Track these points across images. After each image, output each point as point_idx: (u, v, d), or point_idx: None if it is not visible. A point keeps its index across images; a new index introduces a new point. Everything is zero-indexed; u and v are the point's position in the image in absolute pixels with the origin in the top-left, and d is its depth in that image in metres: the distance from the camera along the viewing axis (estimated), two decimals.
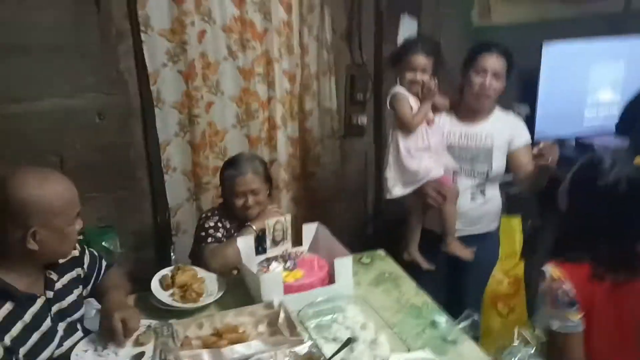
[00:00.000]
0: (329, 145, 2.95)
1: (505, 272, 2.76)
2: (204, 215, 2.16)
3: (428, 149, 2.10)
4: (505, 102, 2.93)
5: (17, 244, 1.33)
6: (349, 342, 1.45)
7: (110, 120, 2.53)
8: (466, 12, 2.99)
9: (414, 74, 2.07)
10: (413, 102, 2.10)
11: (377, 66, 2.88)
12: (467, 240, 2.18)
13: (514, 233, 2.78)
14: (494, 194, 2.25)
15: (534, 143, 2.99)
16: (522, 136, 2.22)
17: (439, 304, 1.75)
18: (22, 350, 1.35)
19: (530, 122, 2.97)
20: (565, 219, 1.57)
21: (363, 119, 2.95)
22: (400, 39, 2.75)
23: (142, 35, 2.45)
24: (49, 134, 2.44)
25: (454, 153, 2.18)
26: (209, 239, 2.02)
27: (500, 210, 2.32)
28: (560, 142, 3.05)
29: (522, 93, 3.02)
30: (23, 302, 1.39)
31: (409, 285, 1.87)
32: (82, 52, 2.41)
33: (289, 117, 2.81)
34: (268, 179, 2.16)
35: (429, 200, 2.09)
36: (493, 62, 2.09)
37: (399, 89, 2.10)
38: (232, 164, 2.12)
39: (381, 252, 2.11)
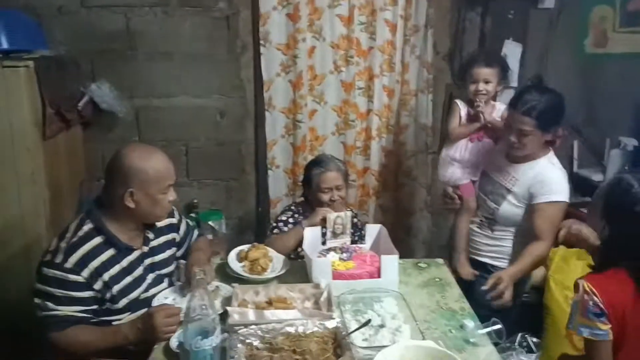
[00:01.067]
0: (421, 159, 3.10)
1: None
2: (283, 209, 2.46)
3: (461, 161, 2.25)
4: (612, 133, 2.86)
5: (119, 200, 1.69)
6: (368, 322, 1.63)
7: (228, 120, 2.97)
8: (578, 39, 2.95)
9: (476, 85, 2.17)
10: (464, 115, 2.24)
11: None
12: (480, 266, 2.25)
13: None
14: (505, 236, 2.17)
15: None
16: (545, 194, 2.01)
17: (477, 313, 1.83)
18: (116, 288, 1.71)
19: (637, 156, 2.84)
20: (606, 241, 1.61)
21: None
22: None
23: (261, 48, 2.84)
24: (179, 125, 2.94)
25: (482, 180, 2.22)
26: (275, 230, 2.31)
27: (510, 255, 2.19)
28: None
29: (635, 125, 2.89)
30: (123, 250, 1.75)
31: (453, 292, 1.96)
32: (212, 61, 2.88)
33: (384, 129, 3.02)
34: (347, 179, 2.38)
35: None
36: (520, 120, 1.96)
37: (457, 101, 2.26)
38: (317, 163, 2.36)
39: (439, 261, 2.22)
